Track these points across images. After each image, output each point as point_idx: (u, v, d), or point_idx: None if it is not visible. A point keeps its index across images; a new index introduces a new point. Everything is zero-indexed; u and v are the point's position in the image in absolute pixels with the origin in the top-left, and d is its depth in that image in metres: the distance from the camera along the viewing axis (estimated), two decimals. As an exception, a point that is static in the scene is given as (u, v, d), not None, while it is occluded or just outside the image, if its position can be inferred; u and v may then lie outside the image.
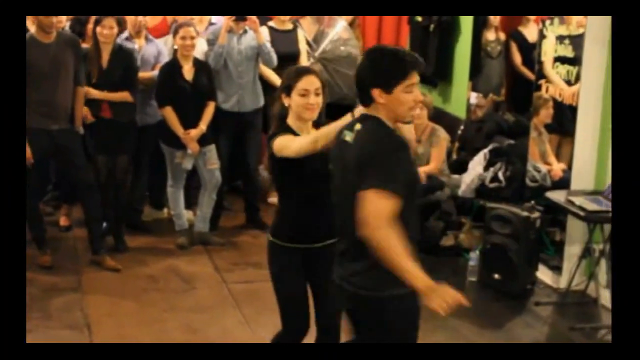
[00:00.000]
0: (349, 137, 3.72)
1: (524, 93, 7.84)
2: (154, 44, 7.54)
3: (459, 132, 8.31)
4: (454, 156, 8.27)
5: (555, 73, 7.08)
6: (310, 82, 4.23)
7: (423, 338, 5.73)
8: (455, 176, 7.79)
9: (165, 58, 7.45)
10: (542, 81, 7.23)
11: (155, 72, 7.31)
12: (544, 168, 7.24)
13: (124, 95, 6.96)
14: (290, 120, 4.29)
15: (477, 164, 7.46)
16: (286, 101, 4.26)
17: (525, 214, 6.57)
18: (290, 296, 4.47)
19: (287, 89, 4.26)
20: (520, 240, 6.52)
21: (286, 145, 4.14)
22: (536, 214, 6.60)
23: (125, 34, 7.38)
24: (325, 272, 4.11)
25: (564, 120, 7.05)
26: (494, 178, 7.33)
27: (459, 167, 7.91)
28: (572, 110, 6.74)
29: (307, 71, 4.32)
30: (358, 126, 3.70)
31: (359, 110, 3.83)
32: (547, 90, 7.16)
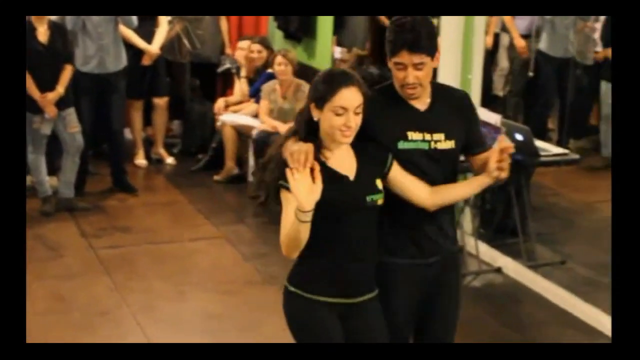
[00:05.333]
0: None
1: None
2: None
3: (325, 87, 8.30)
4: (320, 111, 8.28)
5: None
6: (350, 99, 3.33)
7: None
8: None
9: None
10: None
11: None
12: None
13: None
14: (322, 134, 3.41)
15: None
16: (316, 114, 3.38)
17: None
18: None
19: (320, 100, 3.35)
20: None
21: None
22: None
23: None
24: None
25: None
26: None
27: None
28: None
29: (347, 81, 3.35)
30: None
31: None
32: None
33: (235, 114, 8.29)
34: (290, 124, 7.77)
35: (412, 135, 3.54)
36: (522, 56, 8.16)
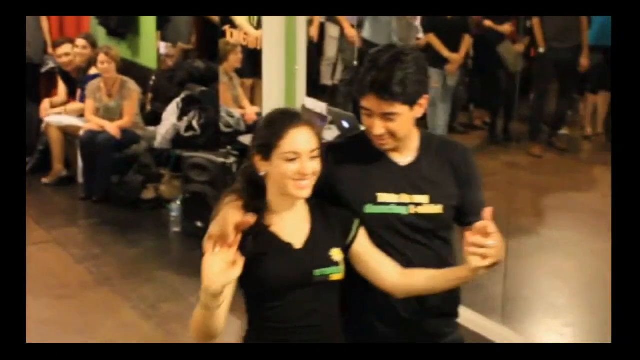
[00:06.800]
0: None
1: (212, 40, 7.89)
2: None
3: (151, 82, 8.25)
4: (148, 108, 8.22)
5: (242, 18, 7.16)
6: (302, 141, 2.64)
7: (130, 292, 5.76)
8: (151, 128, 7.75)
9: None
10: (227, 27, 7.29)
11: None
12: (237, 113, 7.33)
13: None
14: (270, 194, 2.72)
15: (170, 114, 7.44)
16: (263, 167, 2.68)
17: (220, 160, 6.65)
18: None
19: (265, 149, 2.67)
20: (218, 187, 6.58)
21: None
22: (232, 159, 6.69)
23: None
24: None
25: (255, 64, 7.17)
26: (189, 127, 7.34)
27: (154, 118, 7.86)
28: (260, 53, 6.85)
29: (295, 120, 2.67)
30: None
31: None
32: (232, 36, 7.23)
33: (61, 114, 8.10)
34: (118, 122, 7.75)
35: (383, 196, 2.75)
36: (354, 46, 8.29)
